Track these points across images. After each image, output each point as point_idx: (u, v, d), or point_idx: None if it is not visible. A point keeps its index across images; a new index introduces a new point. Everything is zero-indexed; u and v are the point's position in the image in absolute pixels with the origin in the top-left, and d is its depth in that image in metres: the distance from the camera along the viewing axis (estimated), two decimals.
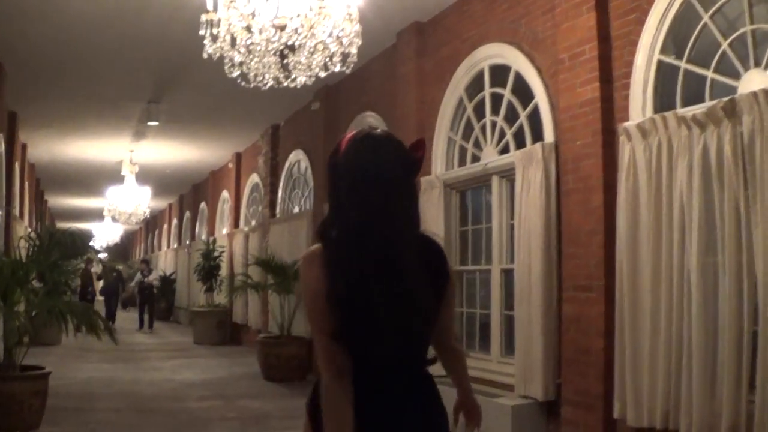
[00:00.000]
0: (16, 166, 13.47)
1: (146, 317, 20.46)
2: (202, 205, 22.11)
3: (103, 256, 30.47)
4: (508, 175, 7.51)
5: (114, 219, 19.99)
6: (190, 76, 10.97)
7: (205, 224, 21.48)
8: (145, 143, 15.61)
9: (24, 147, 15.22)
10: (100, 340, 7.72)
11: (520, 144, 7.32)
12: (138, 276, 21.71)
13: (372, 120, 10.25)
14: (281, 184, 14.29)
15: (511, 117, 7.59)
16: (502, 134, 7.70)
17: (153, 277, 21.61)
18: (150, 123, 12.89)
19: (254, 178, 16.22)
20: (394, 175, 2.29)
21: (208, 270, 17.21)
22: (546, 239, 6.49)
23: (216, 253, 17.38)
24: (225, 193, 19.10)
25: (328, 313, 2.18)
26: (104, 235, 31.77)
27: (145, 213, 19.02)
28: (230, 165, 17.87)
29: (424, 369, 2.41)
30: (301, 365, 11.19)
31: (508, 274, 7.42)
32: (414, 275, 2.26)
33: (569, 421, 6.14)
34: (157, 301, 22.10)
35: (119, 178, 17.37)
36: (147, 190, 18.13)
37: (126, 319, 23.27)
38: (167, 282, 23.68)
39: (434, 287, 2.35)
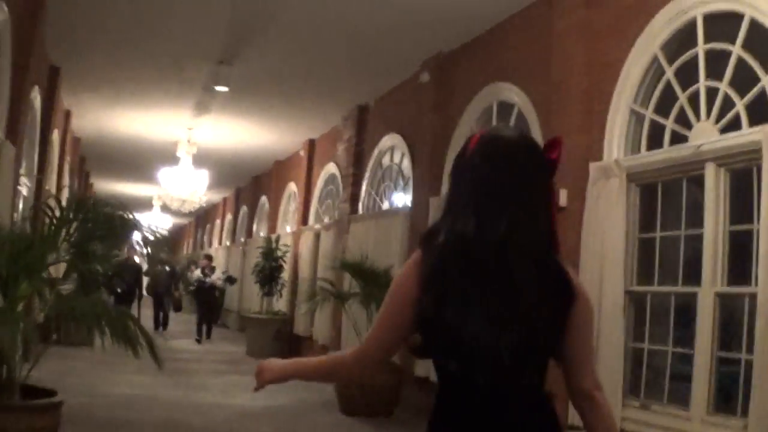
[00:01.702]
0: (55, 133, 11.38)
1: (205, 326, 16.96)
2: (263, 199, 19.88)
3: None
4: (731, 162, 5.27)
5: (164, 207, 17.62)
6: (269, 34, 9.01)
7: (264, 221, 19.31)
8: (207, 120, 13.47)
9: (68, 115, 13.17)
10: (137, 358, 5.49)
11: (758, 119, 5.02)
12: (197, 274, 18.11)
13: (508, 93, 7.95)
14: (367, 176, 12.07)
15: (743, 82, 5.24)
16: (727, 106, 5.35)
17: (216, 277, 17.94)
18: (218, 88, 10.72)
19: (330, 168, 14.00)
20: (522, 182, 2.05)
21: (269, 272, 14.88)
22: None
23: (279, 253, 15.04)
24: (292, 186, 16.87)
25: (405, 328, 2.06)
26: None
27: (201, 200, 16.65)
28: (302, 153, 15.61)
29: (533, 397, 2.05)
30: (391, 398, 8.83)
31: (725, 301, 5.24)
32: (531, 295, 1.99)
33: None
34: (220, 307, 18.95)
35: (173, 161, 15.18)
36: (204, 174, 15.76)
37: (180, 322, 20.08)
38: (233, 283, 19.64)
39: (553, 307, 2.02)
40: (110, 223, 5.49)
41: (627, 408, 5.77)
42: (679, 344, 5.65)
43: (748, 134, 5.04)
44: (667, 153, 5.73)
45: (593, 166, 6.19)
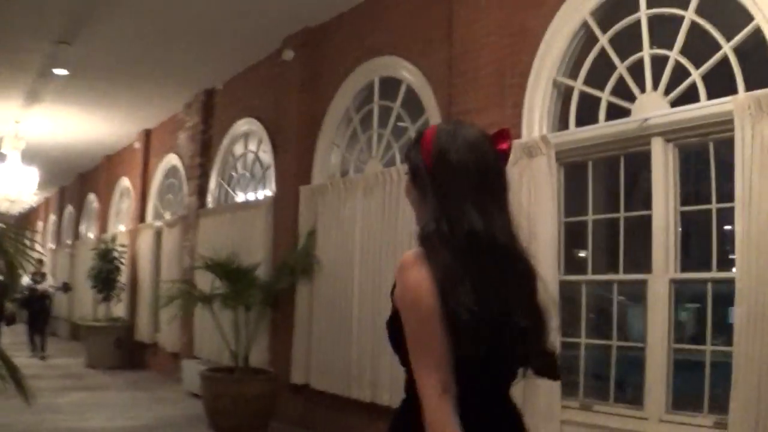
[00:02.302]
0: None
1: (38, 338, 14.76)
2: (91, 197, 18.17)
3: None
4: (679, 137, 4.83)
5: None
6: (114, 10, 7.93)
7: (93, 220, 17.63)
8: (38, 111, 11.89)
9: None
10: None
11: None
12: (26, 280, 15.14)
13: (395, 68, 7.25)
14: (216, 166, 10.92)
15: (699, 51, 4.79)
16: (678, 75, 4.87)
17: (48, 284, 15.63)
18: (56, 71, 9.36)
19: (171, 159, 12.74)
20: (500, 174, 2.08)
21: (106, 275, 13.35)
22: None
23: (116, 254, 13.56)
24: (125, 181, 15.37)
25: (441, 335, 1.86)
26: None
27: (32, 200, 14.92)
28: (137, 145, 14.16)
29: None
30: (265, 409, 7.86)
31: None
32: (535, 284, 2.08)
33: None
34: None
35: None
36: (34, 172, 13.86)
37: (9, 334, 16.64)
38: (68, 291, 17.25)
39: None
40: None
41: (566, 410, 5.19)
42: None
43: (712, 105, 4.57)
44: (606, 128, 5.18)
45: (518, 146, 5.56)
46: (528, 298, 2.03)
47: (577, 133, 5.39)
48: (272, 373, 7.96)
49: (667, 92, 4.93)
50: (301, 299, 7.99)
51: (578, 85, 5.48)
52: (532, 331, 1.99)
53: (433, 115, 6.53)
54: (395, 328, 1.96)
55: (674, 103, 4.88)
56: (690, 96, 4.79)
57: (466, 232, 1.94)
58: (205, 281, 8.83)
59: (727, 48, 4.60)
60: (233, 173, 10.58)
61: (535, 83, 5.66)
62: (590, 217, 5.43)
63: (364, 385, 6.92)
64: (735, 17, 4.54)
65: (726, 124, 4.40)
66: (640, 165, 5.23)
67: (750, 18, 4.43)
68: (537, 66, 5.65)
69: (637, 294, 5.24)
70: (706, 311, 4.67)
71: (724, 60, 4.62)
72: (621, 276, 5.20)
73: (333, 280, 7.53)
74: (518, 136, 5.63)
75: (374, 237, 6.98)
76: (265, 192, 9.45)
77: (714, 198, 4.69)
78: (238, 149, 10.48)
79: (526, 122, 5.67)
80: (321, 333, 7.63)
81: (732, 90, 4.47)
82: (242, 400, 7.65)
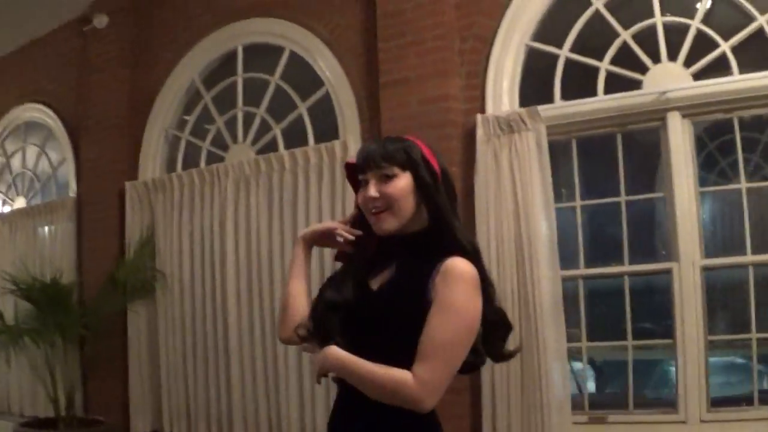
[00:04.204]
0: None
1: None
2: None
3: None
4: (699, 113, 4.42)
5: None
6: None
7: None
8: None
9: None
10: None
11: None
12: None
13: (281, 38, 5.93)
14: None
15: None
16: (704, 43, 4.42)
17: None
18: None
19: None
20: None
21: None
22: None
23: None
24: None
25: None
26: None
27: None
28: None
29: None
30: None
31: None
32: None
33: None
34: None
35: None
36: None
37: None
38: None
39: None
40: None
41: (574, 427, 4.48)
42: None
43: (751, 80, 4.17)
44: (610, 101, 4.56)
45: (482, 119, 4.71)
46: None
47: (567, 107, 4.69)
48: (107, 424, 6.21)
49: (688, 64, 4.44)
50: (135, 325, 6.36)
51: (564, 52, 4.79)
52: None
53: (342, 90, 5.43)
54: (409, 310, 2.03)
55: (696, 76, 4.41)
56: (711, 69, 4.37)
57: (477, 246, 2.18)
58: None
59: (763, 20, 4.23)
60: (9, 173, 8.29)
61: (503, 49, 4.86)
62: (578, 203, 4.78)
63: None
64: None
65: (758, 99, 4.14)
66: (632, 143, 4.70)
67: None
68: (505, 29, 4.85)
69: (638, 286, 4.66)
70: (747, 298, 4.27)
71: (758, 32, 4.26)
72: (634, 267, 4.60)
73: (187, 299, 6.01)
74: (480, 110, 4.81)
75: (252, 240, 5.66)
76: (61, 191, 7.49)
77: (743, 177, 4.32)
78: (12, 145, 8.24)
79: (492, 94, 4.85)
80: (175, 366, 6.04)
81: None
82: None
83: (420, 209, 2.14)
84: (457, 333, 2.00)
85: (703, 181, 4.63)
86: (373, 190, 2.13)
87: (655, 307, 4.97)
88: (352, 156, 2.26)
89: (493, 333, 2.14)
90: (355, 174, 2.22)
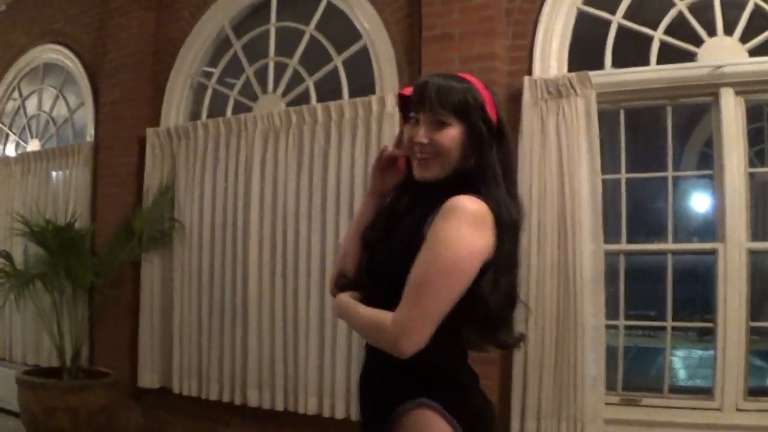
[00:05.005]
0: None
1: None
2: None
3: None
4: (753, 91, 4.24)
5: None
6: None
7: None
8: None
9: None
10: None
11: None
12: None
13: None
14: None
15: None
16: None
17: None
18: None
19: None
20: None
21: None
22: None
23: None
24: None
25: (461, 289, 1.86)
26: None
27: None
28: None
29: None
30: (110, 424, 5.99)
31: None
32: None
33: None
34: None
35: None
36: None
37: None
38: None
39: None
40: None
41: (607, 408, 4.34)
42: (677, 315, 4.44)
43: None
44: (663, 72, 4.36)
45: (529, 81, 4.52)
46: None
47: (618, 75, 4.50)
48: (116, 377, 6.04)
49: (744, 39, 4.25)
50: (149, 276, 6.18)
51: (617, 18, 4.59)
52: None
53: (380, 43, 5.22)
54: (404, 249, 1.91)
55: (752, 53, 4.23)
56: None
57: (516, 213, 2.01)
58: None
59: None
60: (23, 116, 8.07)
61: (553, 11, 4.66)
62: (623, 176, 4.61)
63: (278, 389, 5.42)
64: None
65: None
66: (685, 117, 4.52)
67: None
68: None
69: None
70: None
71: None
72: (678, 245, 4.44)
73: (206, 252, 5.82)
74: (527, 72, 4.62)
75: (278, 193, 5.45)
76: (78, 135, 7.30)
77: None
78: (30, 86, 7.99)
79: (540, 56, 4.66)
80: (189, 321, 5.87)
81: None
82: (84, 413, 5.69)
83: (468, 158, 2.00)
84: (436, 269, 1.83)
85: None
86: (422, 135, 1.98)
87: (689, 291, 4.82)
88: (409, 87, 2.09)
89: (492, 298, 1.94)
90: (407, 105, 2.06)
